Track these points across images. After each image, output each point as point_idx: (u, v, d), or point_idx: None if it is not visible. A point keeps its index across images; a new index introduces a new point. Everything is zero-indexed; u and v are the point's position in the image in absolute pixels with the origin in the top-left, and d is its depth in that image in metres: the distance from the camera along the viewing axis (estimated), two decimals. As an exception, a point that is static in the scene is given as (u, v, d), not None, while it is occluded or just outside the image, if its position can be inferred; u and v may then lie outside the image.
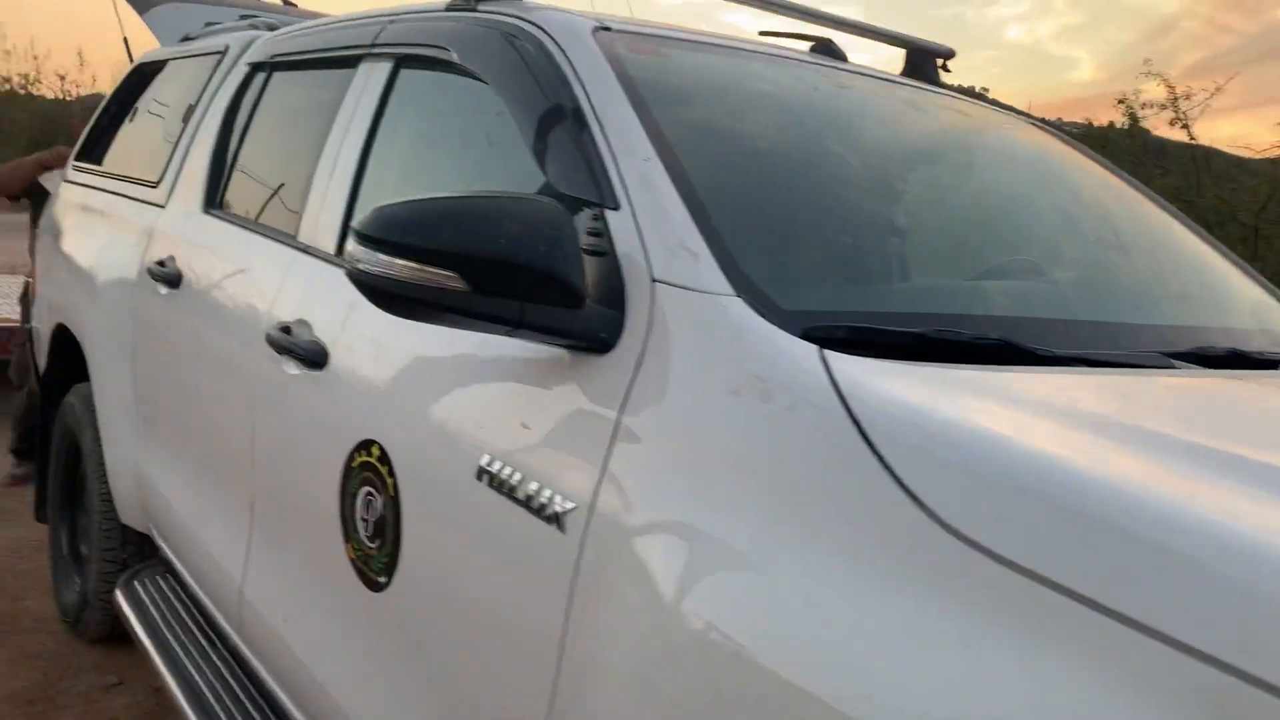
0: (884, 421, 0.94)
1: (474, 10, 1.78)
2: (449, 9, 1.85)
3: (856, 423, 0.95)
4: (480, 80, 1.64)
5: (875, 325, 1.15)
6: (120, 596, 2.51)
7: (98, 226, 3.02)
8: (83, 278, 2.89)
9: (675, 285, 1.19)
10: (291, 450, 1.80)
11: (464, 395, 1.40)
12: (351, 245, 1.21)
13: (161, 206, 2.64)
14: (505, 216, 1.18)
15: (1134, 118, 9.24)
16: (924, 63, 2.37)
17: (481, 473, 1.31)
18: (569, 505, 1.17)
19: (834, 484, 0.94)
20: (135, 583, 2.53)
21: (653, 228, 1.25)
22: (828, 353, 1.06)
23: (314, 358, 1.71)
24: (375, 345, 1.62)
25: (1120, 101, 9.36)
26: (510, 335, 1.24)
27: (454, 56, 1.71)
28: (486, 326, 1.22)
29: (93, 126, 3.62)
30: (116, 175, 3.12)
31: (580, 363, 1.25)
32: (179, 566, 2.40)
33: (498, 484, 1.28)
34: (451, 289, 1.17)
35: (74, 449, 3.11)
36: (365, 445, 1.55)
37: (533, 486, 1.22)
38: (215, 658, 2.21)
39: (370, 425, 1.55)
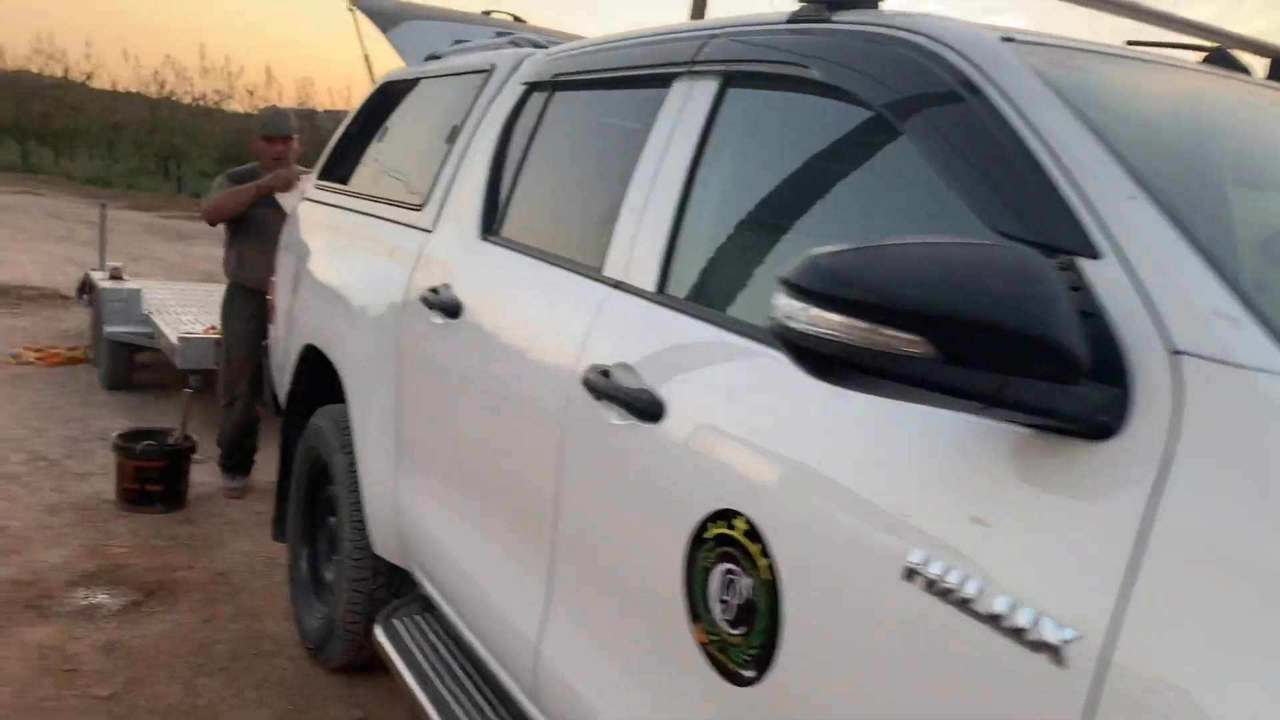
0: None
1: (828, 21, 1.58)
2: (794, 20, 1.65)
3: None
4: (854, 101, 1.44)
5: None
6: (380, 632, 2.42)
7: (352, 248, 2.97)
8: (339, 300, 2.84)
9: (1212, 360, 0.94)
10: (613, 507, 1.63)
11: (874, 472, 1.19)
12: (781, 299, 1.01)
13: (428, 231, 2.54)
14: (984, 269, 0.96)
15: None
16: (1294, 73, 2.04)
17: (912, 573, 1.09)
18: (1068, 634, 0.93)
19: None
20: (395, 620, 2.45)
21: (1159, 283, 1.01)
22: None
23: (646, 408, 1.54)
24: (734, 401, 1.43)
25: None
26: (979, 414, 1.02)
27: (814, 74, 1.51)
28: (951, 402, 1.00)
29: (335, 145, 3.62)
30: (370, 195, 3.06)
31: (1060, 449, 1.01)
32: (446, 609, 2.29)
33: (940, 591, 1.06)
34: (911, 355, 0.96)
35: (319, 471, 3.08)
36: (725, 515, 1.36)
37: (1001, 602, 1.00)
38: (485, 706, 2.08)
39: (732, 493, 1.36)
